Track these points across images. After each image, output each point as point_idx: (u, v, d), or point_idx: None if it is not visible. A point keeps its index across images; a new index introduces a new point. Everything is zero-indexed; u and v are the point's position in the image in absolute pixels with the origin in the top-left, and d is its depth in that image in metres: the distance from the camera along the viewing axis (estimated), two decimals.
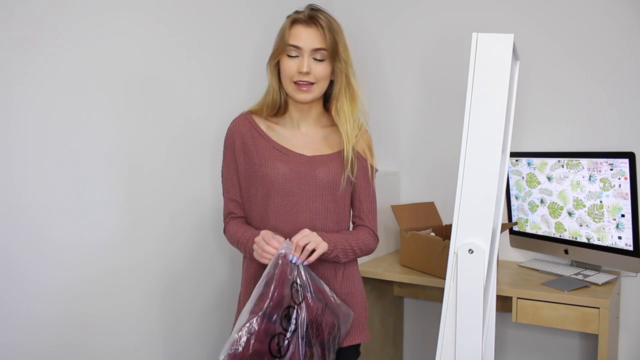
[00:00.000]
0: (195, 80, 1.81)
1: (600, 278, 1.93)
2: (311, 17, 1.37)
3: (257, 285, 1.27)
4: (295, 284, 1.28)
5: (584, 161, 1.99)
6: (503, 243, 2.30)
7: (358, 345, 1.49)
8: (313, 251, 1.31)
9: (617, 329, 2.09)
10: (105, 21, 1.51)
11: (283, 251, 1.28)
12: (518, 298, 1.86)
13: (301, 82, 1.38)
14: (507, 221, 2.27)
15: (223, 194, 1.50)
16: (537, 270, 2.11)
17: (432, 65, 2.43)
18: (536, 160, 2.14)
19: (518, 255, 2.31)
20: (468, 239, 1.33)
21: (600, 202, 1.95)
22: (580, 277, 1.95)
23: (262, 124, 1.47)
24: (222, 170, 1.50)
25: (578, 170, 2.01)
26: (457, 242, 1.34)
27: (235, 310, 1.54)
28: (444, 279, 1.38)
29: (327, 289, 1.36)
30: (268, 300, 1.23)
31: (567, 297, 1.79)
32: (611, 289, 1.85)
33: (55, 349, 1.43)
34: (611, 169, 1.91)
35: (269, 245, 1.30)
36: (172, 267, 1.75)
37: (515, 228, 2.26)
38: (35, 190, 1.37)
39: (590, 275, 1.96)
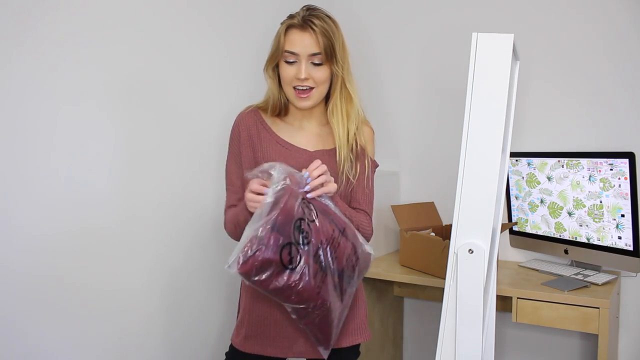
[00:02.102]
0: (198, 81, 1.81)
1: (600, 278, 1.93)
2: (305, 21, 1.36)
3: (262, 204, 1.22)
4: (305, 201, 1.24)
5: (584, 161, 1.99)
6: (503, 243, 2.30)
7: (358, 345, 1.49)
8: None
9: (617, 329, 2.09)
10: (107, 21, 1.51)
11: (285, 175, 1.23)
12: (518, 298, 1.86)
13: (300, 88, 1.38)
14: (507, 221, 2.27)
15: (226, 187, 1.49)
16: (537, 270, 2.11)
17: (432, 65, 2.43)
18: (536, 160, 2.14)
19: (518, 255, 2.31)
20: (468, 239, 1.33)
21: (600, 202, 1.95)
22: (580, 277, 1.95)
23: (268, 119, 1.48)
24: (226, 163, 1.49)
25: (578, 170, 2.01)
26: (457, 242, 1.34)
27: (236, 307, 1.54)
28: (444, 279, 1.38)
29: (344, 218, 1.32)
30: (277, 212, 1.18)
31: (567, 297, 1.79)
32: (611, 289, 1.85)
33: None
34: (611, 169, 1.91)
35: (256, 186, 1.26)
36: (175, 267, 1.76)
37: (515, 228, 2.26)
38: (36, 192, 1.37)
39: (590, 275, 1.96)
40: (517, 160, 2.20)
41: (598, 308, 1.75)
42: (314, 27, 1.35)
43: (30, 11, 1.33)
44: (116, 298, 1.57)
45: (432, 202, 2.34)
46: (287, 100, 1.45)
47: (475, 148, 1.32)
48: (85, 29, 1.45)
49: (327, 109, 1.47)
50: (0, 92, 1.29)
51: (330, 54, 1.37)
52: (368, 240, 1.49)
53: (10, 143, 1.32)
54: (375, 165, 1.52)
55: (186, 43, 1.77)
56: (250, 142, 1.45)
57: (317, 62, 1.37)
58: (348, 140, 1.43)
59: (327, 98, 1.47)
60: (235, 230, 1.41)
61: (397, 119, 2.53)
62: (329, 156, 1.44)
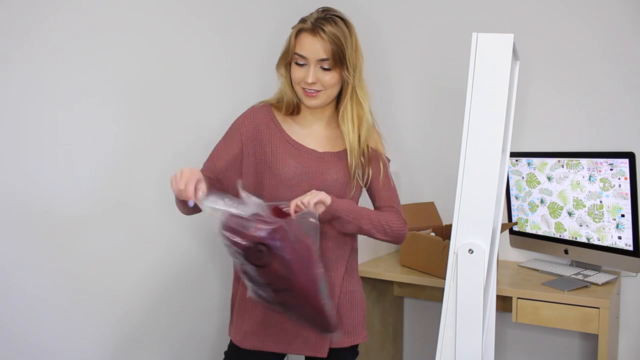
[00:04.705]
0: (198, 82, 1.81)
1: (600, 278, 1.93)
2: (315, 26, 1.34)
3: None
4: (259, 246, 1.18)
5: (584, 161, 1.99)
6: (503, 243, 2.30)
7: (356, 346, 1.49)
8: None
9: (617, 329, 2.09)
10: (108, 23, 1.51)
11: (313, 220, 1.23)
12: (518, 298, 1.86)
13: (308, 90, 1.38)
14: (507, 221, 2.27)
15: (204, 163, 1.44)
16: (537, 270, 2.11)
17: (432, 65, 2.43)
18: (536, 160, 2.14)
19: (518, 255, 2.31)
20: (468, 239, 1.33)
21: (600, 202, 1.95)
22: (580, 277, 1.95)
23: (280, 117, 1.47)
24: (217, 144, 1.45)
25: (578, 170, 2.01)
26: (457, 242, 1.34)
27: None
28: (444, 279, 1.38)
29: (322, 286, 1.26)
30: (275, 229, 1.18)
31: (567, 297, 1.79)
32: (611, 289, 1.85)
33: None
34: (611, 169, 1.91)
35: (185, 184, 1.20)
36: (175, 266, 1.76)
37: (515, 228, 2.26)
38: (37, 191, 1.37)
39: (590, 275, 1.96)
40: (517, 160, 2.20)
41: (598, 308, 1.75)
42: (322, 33, 1.33)
43: (32, 14, 1.34)
44: (115, 297, 1.57)
45: (432, 202, 2.34)
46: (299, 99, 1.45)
47: (475, 148, 1.32)
48: (86, 31, 1.46)
49: (338, 112, 1.47)
50: (1, 93, 1.29)
51: (339, 59, 1.36)
52: (402, 235, 1.45)
53: (12, 143, 1.32)
54: (388, 161, 1.52)
55: (186, 45, 1.77)
56: (257, 137, 1.43)
57: (326, 67, 1.36)
58: (359, 145, 1.42)
59: (338, 100, 1.46)
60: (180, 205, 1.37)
61: (397, 118, 2.52)
62: (337, 158, 1.44)
